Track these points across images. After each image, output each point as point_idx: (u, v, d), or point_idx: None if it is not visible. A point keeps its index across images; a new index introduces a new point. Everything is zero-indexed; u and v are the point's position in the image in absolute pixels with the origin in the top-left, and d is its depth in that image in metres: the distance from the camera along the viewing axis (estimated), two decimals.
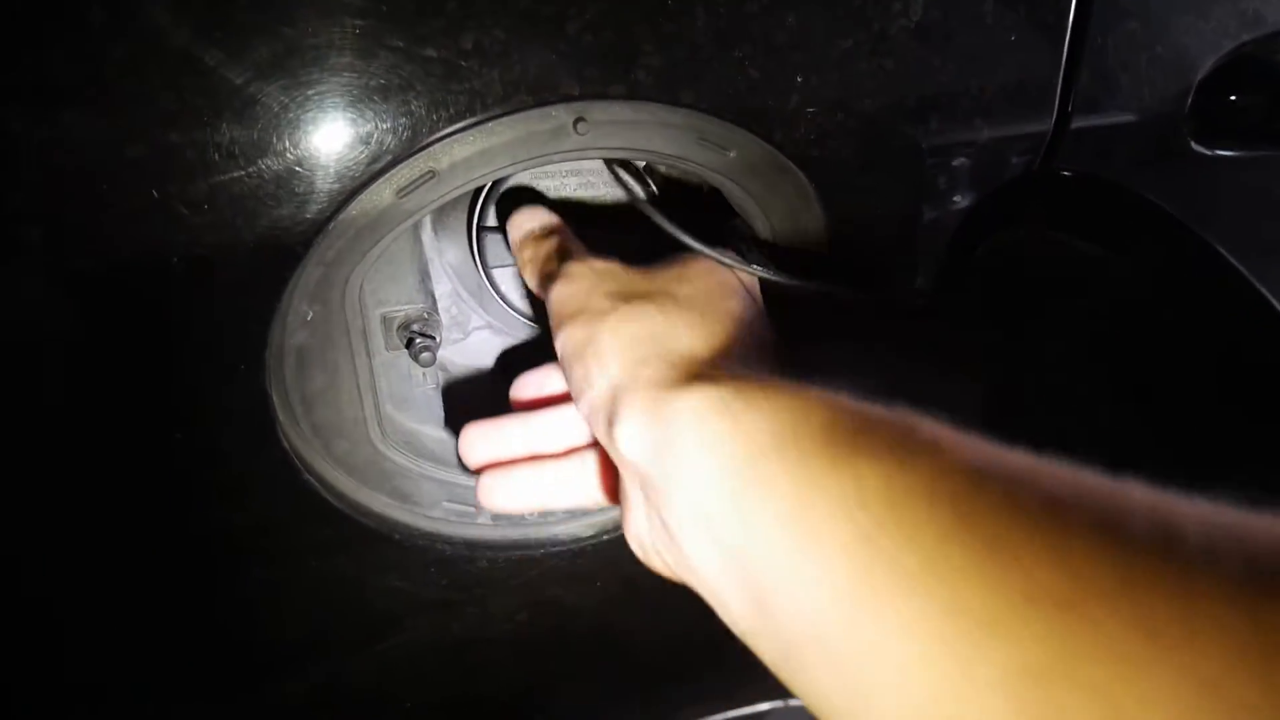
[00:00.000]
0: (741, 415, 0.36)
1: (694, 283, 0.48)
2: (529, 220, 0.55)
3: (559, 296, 0.48)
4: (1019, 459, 0.30)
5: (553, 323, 0.47)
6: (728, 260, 0.50)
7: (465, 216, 0.60)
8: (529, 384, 0.53)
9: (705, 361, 0.41)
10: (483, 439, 0.52)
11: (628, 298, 0.46)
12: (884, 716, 0.29)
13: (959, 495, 0.29)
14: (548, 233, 0.54)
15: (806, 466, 0.33)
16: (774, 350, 0.47)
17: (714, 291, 0.48)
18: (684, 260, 0.51)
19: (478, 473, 0.52)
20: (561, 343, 0.46)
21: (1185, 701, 0.22)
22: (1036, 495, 0.28)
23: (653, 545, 0.43)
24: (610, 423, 0.41)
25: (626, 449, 0.40)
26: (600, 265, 0.49)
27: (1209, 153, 0.62)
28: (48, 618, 0.51)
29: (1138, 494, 0.27)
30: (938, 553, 0.28)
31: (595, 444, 0.51)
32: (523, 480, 0.51)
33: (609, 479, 0.50)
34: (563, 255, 0.51)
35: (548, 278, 0.50)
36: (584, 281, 0.47)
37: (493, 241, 0.59)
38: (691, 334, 0.43)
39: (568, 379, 0.46)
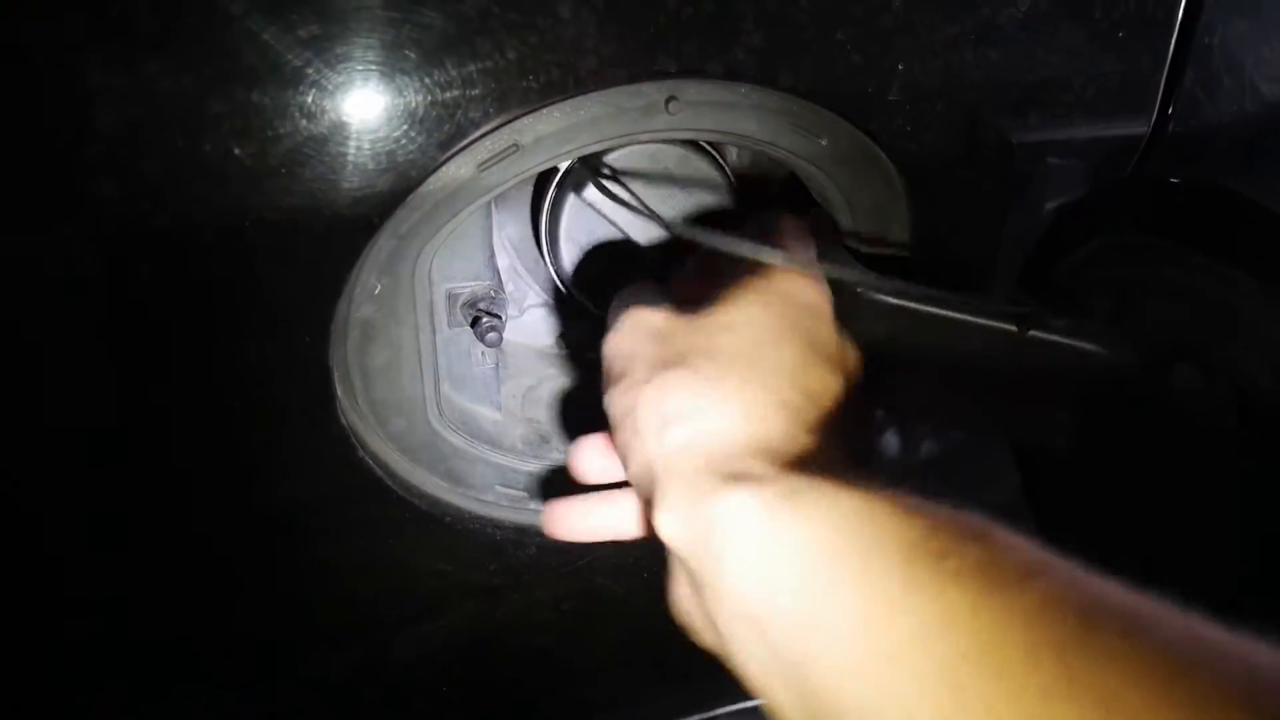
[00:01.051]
0: (791, 522, 0.33)
1: (740, 329, 0.42)
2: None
3: (607, 352, 0.44)
4: (1127, 599, 0.27)
5: (603, 377, 0.44)
6: (795, 263, 0.46)
7: (529, 190, 0.58)
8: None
9: (745, 447, 0.37)
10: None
11: (667, 362, 0.40)
12: None
13: (1066, 644, 0.25)
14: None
15: (876, 583, 0.30)
16: (835, 403, 0.41)
17: (762, 339, 0.41)
18: (737, 289, 0.44)
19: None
20: (606, 404, 0.43)
21: None
22: (1154, 649, 0.25)
23: (697, 624, 0.39)
24: (649, 503, 0.38)
25: (667, 536, 0.37)
26: (647, 318, 0.43)
27: None
28: (94, 587, 0.50)
29: (1265, 654, 0.24)
30: (1041, 712, 0.25)
31: None
32: (592, 512, 0.48)
33: None
34: (625, 299, 0.46)
35: (611, 318, 0.46)
36: (629, 339, 0.43)
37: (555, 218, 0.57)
38: (729, 410, 0.38)
39: (614, 441, 0.42)
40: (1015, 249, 0.56)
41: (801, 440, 0.38)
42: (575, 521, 0.48)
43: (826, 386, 0.41)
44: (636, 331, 0.43)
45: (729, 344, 0.41)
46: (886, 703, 0.28)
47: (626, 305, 0.45)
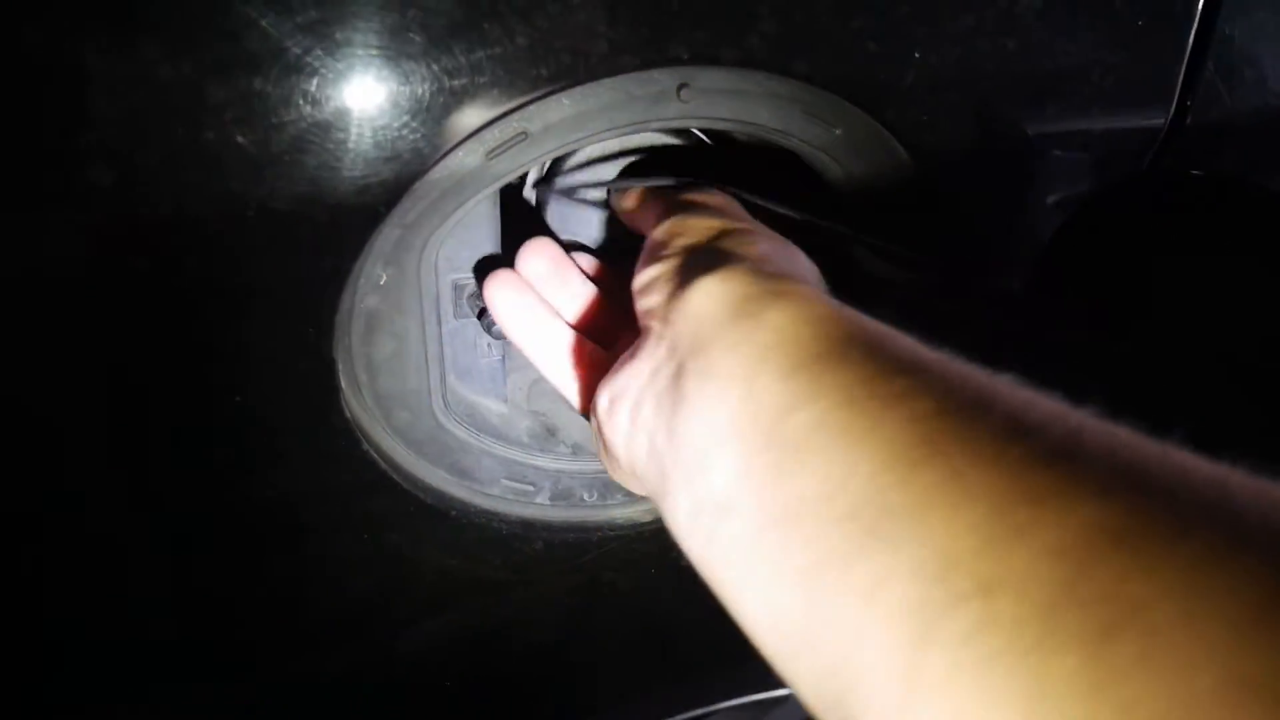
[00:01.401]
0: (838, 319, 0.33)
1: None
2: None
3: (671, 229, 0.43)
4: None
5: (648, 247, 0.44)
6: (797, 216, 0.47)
7: (533, 178, 0.57)
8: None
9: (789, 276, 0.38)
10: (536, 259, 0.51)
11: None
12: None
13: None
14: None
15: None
16: None
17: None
18: None
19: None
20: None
21: None
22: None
23: (632, 418, 0.38)
24: (686, 276, 0.38)
25: (699, 302, 0.36)
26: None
27: None
28: (93, 583, 0.49)
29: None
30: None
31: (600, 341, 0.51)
32: (529, 308, 0.50)
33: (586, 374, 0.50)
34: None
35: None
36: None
37: (558, 205, 0.57)
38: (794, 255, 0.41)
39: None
40: (1030, 240, 0.55)
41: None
42: (510, 304, 0.50)
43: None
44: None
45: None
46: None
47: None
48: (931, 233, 0.53)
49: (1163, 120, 0.55)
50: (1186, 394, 0.46)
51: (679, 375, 0.35)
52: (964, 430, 0.26)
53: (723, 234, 0.41)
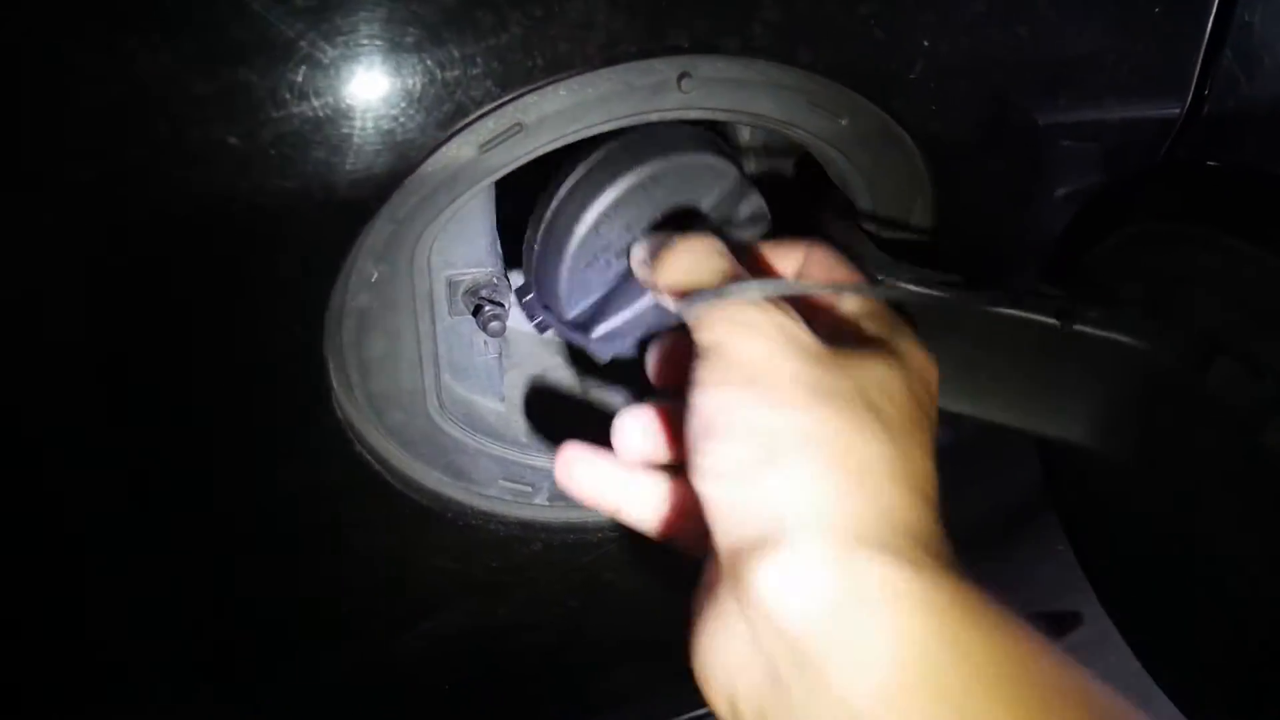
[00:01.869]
0: (951, 626, 0.29)
1: (894, 393, 0.35)
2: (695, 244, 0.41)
3: (728, 340, 0.35)
4: None
5: (701, 366, 0.35)
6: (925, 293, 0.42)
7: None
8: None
9: (897, 525, 0.31)
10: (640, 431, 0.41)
11: (823, 394, 0.33)
12: None
13: None
14: (712, 253, 0.40)
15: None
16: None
17: (910, 414, 0.35)
18: (867, 343, 0.37)
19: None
20: (715, 401, 0.34)
21: None
22: None
23: (746, 697, 0.32)
24: (754, 554, 0.31)
25: (778, 593, 0.30)
26: (792, 329, 0.35)
27: None
28: (81, 585, 0.48)
29: None
30: None
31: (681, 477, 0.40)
32: (608, 477, 0.41)
33: (677, 522, 0.41)
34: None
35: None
36: (766, 342, 0.34)
37: None
38: (888, 475, 0.32)
39: (696, 448, 0.34)
40: (1043, 234, 0.54)
41: (937, 532, 0.32)
42: (583, 477, 0.41)
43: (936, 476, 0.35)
44: (777, 334, 0.35)
45: (887, 408, 0.34)
46: None
47: (749, 295, 0.36)
48: (941, 227, 0.51)
49: (1179, 110, 0.53)
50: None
51: (775, 681, 0.30)
52: None
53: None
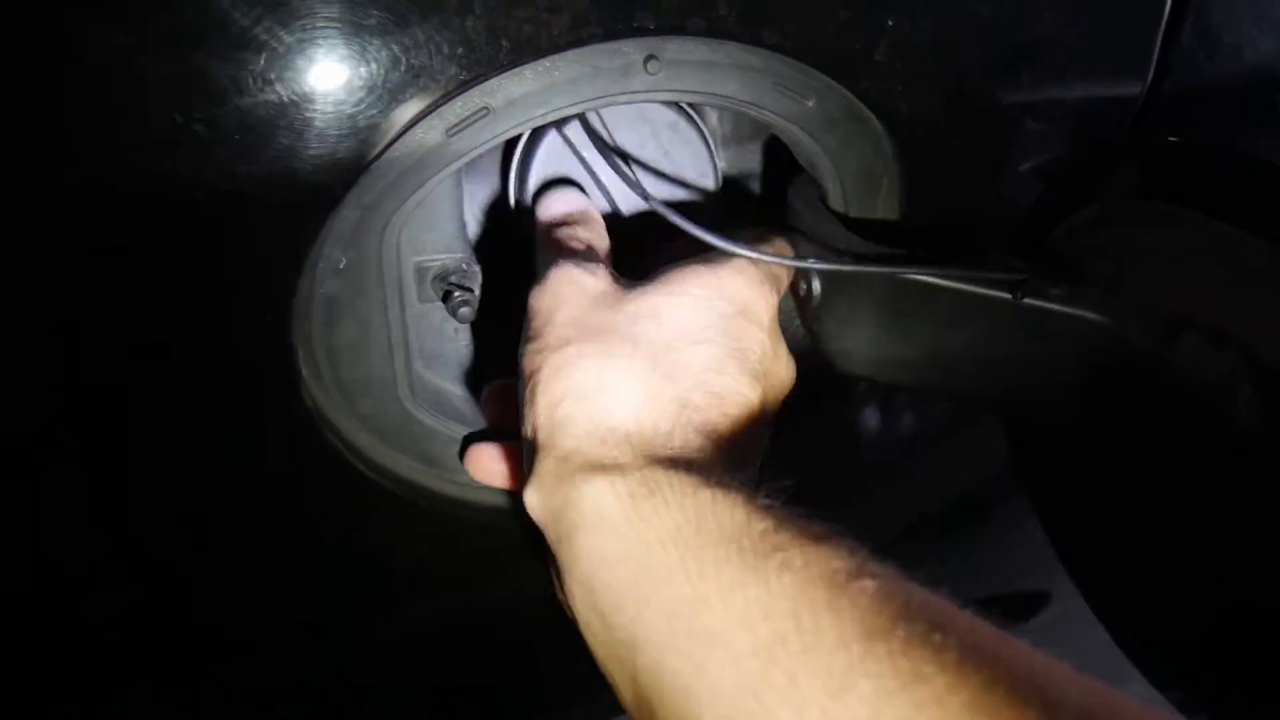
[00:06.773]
0: (640, 511, 0.34)
1: (666, 318, 0.41)
2: (561, 204, 0.51)
3: (532, 303, 0.43)
4: (939, 604, 0.29)
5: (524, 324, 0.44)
6: (747, 252, 0.44)
7: (498, 157, 0.55)
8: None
9: (625, 436, 0.37)
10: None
11: (584, 334, 0.41)
12: None
13: (873, 632, 0.28)
14: (574, 221, 0.49)
15: (709, 571, 0.31)
16: (739, 410, 0.41)
17: (686, 332, 0.41)
18: (679, 273, 0.43)
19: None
20: (519, 354, 0.42)
21: None
22: (958, 645, 0.27)
23: (561, 599, 0.39)
24: (526, 469, 0.40)
25: (529, 508, 0.39)
26: (582, 278, 0.43)
27: None
28: (55, 572, 0.47)
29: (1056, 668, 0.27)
30: (842, 685, 0.27)
31: None
32: (503, 460, 0.50)
33: None
34: (573, 251, 0.46)
35: (543, 268, 0.45)
36: (554, 298, 0.43)
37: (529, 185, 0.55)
38: (624, 397, 0.39)
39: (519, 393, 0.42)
40: (1008, 214, 0.54)
41: (685, 438, 0.38)
42: (488, 464, 0.50)
43: (734, 392, 0.41)
44: (567, 288, 0.43)
45: (650, 331, 0.41)
46: (699, 679, 0.30)
47: (563, 251, 0.46)
48: (907, 207, 0.52)
49: (1140, 88, 0.54)
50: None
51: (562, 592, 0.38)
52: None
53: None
